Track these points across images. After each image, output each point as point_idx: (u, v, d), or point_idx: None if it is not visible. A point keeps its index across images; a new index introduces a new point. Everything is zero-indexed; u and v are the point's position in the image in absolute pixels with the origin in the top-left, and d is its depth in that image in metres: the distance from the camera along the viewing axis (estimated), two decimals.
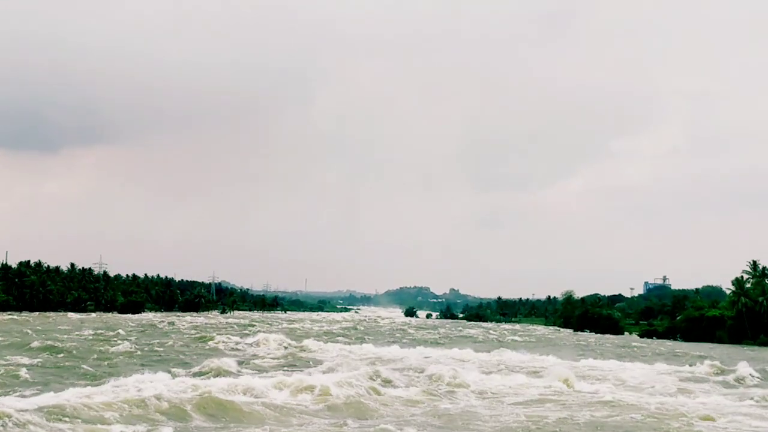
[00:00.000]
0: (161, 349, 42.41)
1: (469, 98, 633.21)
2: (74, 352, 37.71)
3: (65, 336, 50.24)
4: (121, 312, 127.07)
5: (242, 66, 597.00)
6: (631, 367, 38.34)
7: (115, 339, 48.21)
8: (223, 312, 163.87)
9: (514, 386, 27.58)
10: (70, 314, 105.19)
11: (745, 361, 38.76)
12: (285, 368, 32.31)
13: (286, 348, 45.38)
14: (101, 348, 40.36)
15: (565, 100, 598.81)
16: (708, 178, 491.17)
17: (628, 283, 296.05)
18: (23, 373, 26.48)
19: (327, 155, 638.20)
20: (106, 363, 33.21)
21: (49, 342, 41.97)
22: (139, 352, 39.24)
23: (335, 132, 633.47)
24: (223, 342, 48.22)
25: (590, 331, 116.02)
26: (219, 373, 27.60)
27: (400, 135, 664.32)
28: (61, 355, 36.14)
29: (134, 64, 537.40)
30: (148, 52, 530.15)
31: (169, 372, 26.54)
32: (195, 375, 27.08)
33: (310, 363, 36.02)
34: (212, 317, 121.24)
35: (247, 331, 63.15)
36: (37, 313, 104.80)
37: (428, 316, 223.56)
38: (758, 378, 34.29)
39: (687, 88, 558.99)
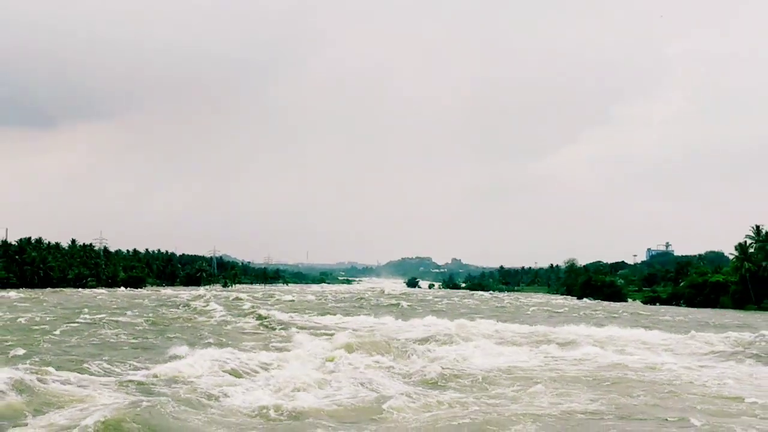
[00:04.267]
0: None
1: (473, 63, 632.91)
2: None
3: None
4: (123, 286, 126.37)
5: (234, 32, 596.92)
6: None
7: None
8: (224, 285, 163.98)
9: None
10: (83, 290, 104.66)
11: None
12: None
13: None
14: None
15: (570, 64, 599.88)
16: (714, 144, 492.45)
17: (630, 250, 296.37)
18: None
19: (325, 124, 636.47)
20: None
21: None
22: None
23: (333, 99, 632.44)
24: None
25: (593, 299, 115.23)
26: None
27: (400, 102, 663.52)
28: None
29: (126, 37, 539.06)
30: (140, 25, 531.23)
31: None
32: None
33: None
34: (214, 291, 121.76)
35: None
36: (49, 289, 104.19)
37: (430, 286, 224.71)
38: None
39: (696, 48, 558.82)
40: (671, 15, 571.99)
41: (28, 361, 20.50)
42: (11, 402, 14.20)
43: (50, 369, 18.14)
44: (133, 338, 30.23)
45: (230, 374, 19.53)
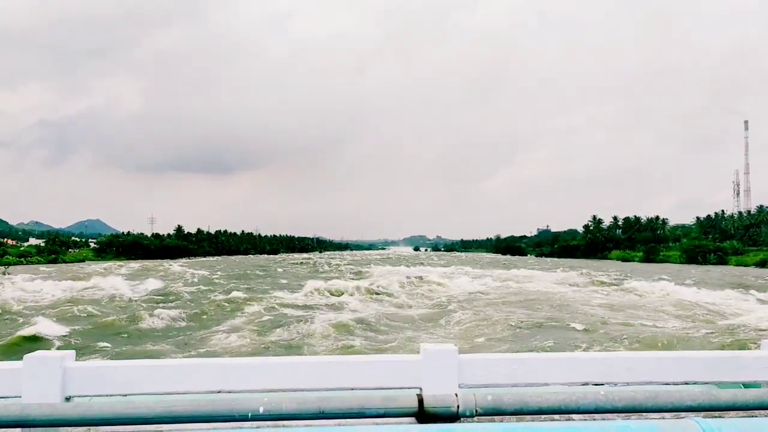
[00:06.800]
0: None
1: (442, 136, 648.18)
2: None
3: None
4: (267, 254, 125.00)
5: (321, 122, 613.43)
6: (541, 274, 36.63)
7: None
8: (320, 252, 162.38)
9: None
10: (248, 256, 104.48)
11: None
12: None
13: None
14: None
15: (493, 133, 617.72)
16: (566, 174, 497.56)
17: (528, 228, 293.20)
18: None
19: (369, 166, 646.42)
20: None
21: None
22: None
23: (372, 155, 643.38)
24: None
25: (511, 255, 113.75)
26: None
27: (406, 155, 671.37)
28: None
29: (267, 124, 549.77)
30: (272, 118, 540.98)
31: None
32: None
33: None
34: (315, 255, 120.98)
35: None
36: (228, 255, 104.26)
37: (426, 250, 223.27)
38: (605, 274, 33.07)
39: (557, 124, 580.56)
40: (545, 107, 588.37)
41: (222, 288, 19.73)
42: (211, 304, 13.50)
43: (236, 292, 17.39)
44: (277, 275, 29.48)
45: (328, 292, 18.46)
